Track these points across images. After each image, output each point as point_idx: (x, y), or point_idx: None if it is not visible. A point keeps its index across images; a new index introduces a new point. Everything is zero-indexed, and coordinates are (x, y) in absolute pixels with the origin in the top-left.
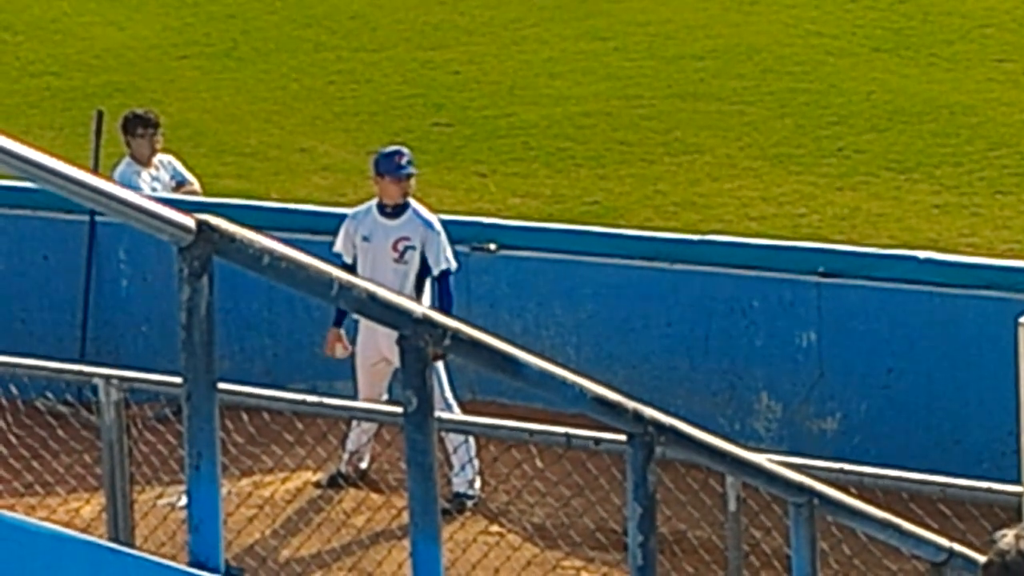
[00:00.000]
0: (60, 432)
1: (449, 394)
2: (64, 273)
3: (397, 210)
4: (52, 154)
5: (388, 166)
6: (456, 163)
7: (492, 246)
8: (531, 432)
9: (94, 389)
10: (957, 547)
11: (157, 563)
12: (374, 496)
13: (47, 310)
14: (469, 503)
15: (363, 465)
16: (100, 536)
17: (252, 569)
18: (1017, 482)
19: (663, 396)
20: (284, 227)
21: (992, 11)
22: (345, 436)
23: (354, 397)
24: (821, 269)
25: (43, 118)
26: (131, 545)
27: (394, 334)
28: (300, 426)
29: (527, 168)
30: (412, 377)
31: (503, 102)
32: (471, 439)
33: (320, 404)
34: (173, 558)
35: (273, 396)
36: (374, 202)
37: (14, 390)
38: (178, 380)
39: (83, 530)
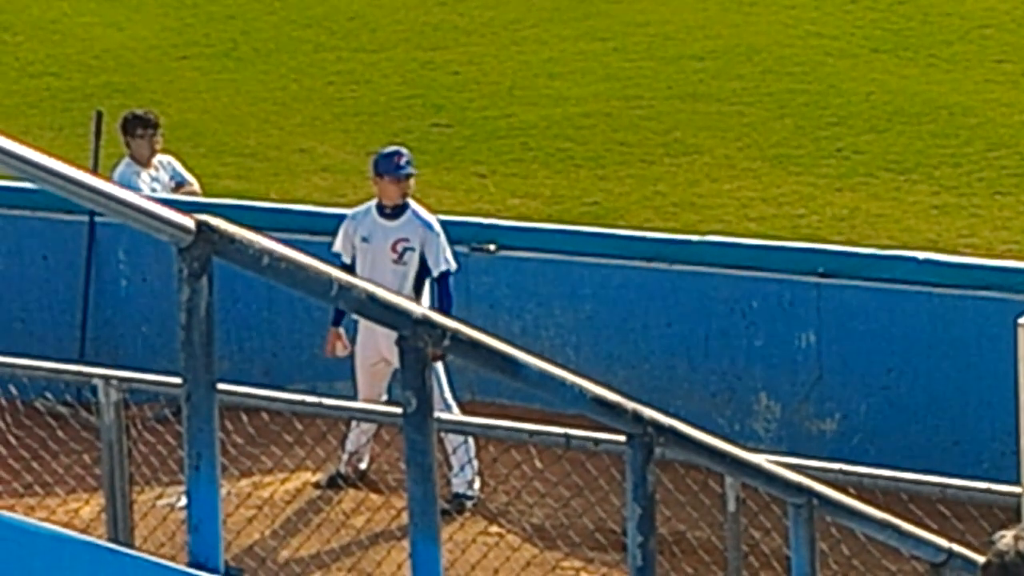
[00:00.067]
0: (59, 433)
1: (448, 395)
2: (63, 273)
3: (396, 211)
4: (52, 155)
5: (387, 166)
6: (455, 164)
7: (491, 247)
8: (530, 433)
9: (93, 390)
10: (956, 548)
11: (156, 564)
12: (373, 497)
13: (46, 310)
14: (468, 504)
15: (362, 466)
16: (99, 537)
17: (251, 570)
18: (1016, 483)
19: (662, 397)
20: (283, 227)
21: (991, 12)
22: (344, 437)
23: (353, 398)
24: (820, 270)
25: (42, 118)
26: (130, 546)
27: (393, 335)
28: (299, 427)
29: (526, 169)
30: (411, 378)
31: (502, 103)
32: (470, 440)
33: (319, 405)
34: (172, 559)
35: (272, 397)
36: (373, 203)
37: (13, 390)
38: (177, 381)
39: (82, 531)
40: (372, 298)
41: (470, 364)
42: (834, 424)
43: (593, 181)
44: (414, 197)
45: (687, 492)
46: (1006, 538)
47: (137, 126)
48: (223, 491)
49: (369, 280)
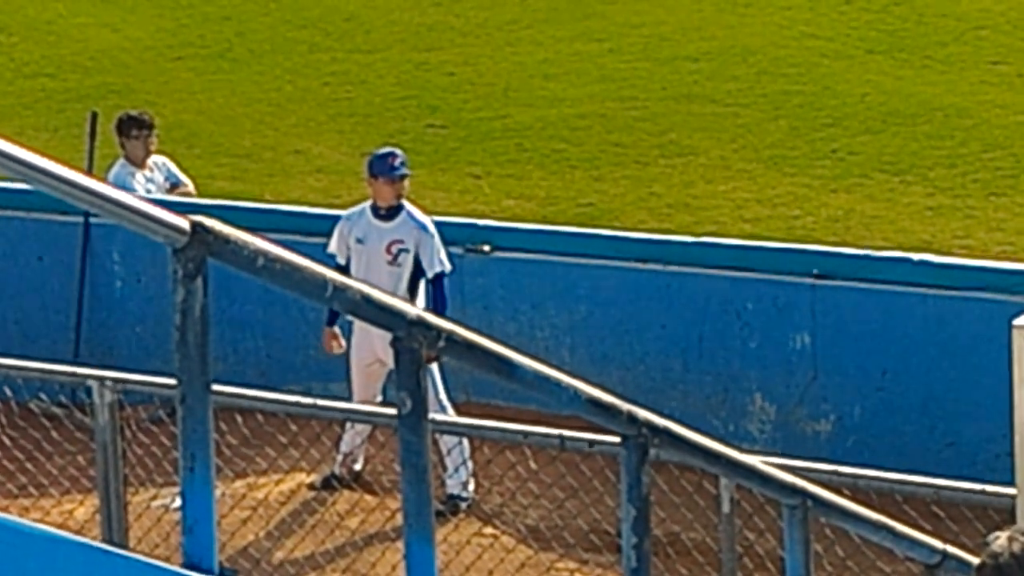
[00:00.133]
0: (54, 434)
1: (444, 396)
2: (58, 274)
3: (391, 212)
4: (46, 155)
5: (382, 167)
6: (450, 165)
7: (486, 248)
8: (525, 434)
9: (88, 391)
10: (951, 549)
11: (151, 565)
12: (368, 498)
13: (41, 311)
14: (463, 505)
15: (357, 467)
16: (94, 538)
17: (246, 571)
18: (1011, 484)
19: (657, 398)
20: (278, 228)
21: (987, 13)
22: (339, 438)
23: (348, 399)
24: (815, 271)
25: (37, 120)
26: (125, 547)
27: (388, 335)
28: (294, 428)
29: (521, 170)
30: (406, 379)
31: (497, 104)
32: (465, 441)
33: (314, 406)
34: (167, 560)
35: (267, 398)
36: (368, 204)
37: (8, 392)
38: (172, 382)
39: (77, 532)
40: (367, 299)
41: (465, 365)
42: (829, 425)
43: (588, 182)
44: (409, 198)
45: (682, 493)
46: (1000, 539)
47: (132, 127)
48: (218, 492)
49: (364, 281)
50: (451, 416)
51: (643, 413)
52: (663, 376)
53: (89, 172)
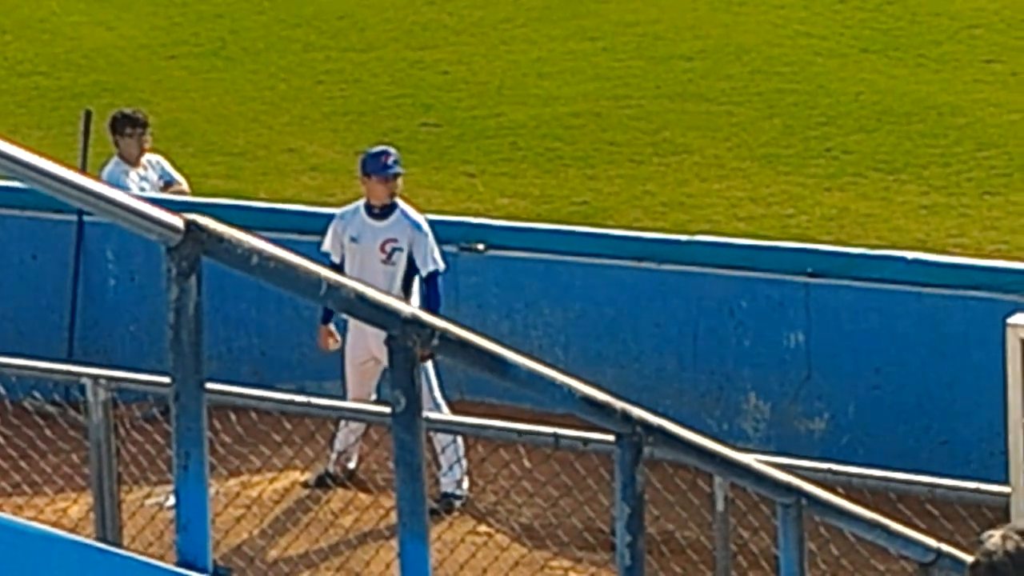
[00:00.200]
0: (48, 432)
1: (438, 394)
2: (52, 273)
3: (384, 211)
4: (40, 154)
5: (375, 166)
6: (444, 163)
7: (480, 246)
8: (519, 432)
9: (82, 389)
10: (945, 547)
11: (145, 563)
12: (362, 496)
13: (35, 310)
14: (457, 503)
15: (351, 465)
16: (88, 536)
17: (240, 569)
18: (1005, 482)
19: (651, 396)
20: (272, 227)
21: (980, 12)
22: (333, 436)
23: (342, 397)
24: (809, 269)
25: (31, 118)
26: (119, 545)
27: (383, 333)
28: (288, 426)
29: (515, 168)
30: (400, 377)
31: (491, 102)
32: (459, 439)
33: (308, 404)
34: (161, 558)
35: (261, 396)
36: (362, 202)
37: (2, 390)
38: (166, 380)
39: (71, 530)
40: (361, 297)
41: (459, 363)
42: (823, 424)
43: (582, 180)
44: (402, 197)
45: (676, 492)
46: (994, 538)
47: (126, 125)
48: (211, 490)
49: (358, 280)
50: (446, 414)
51: (637, 411)
52: (657, 374)
53: (83, 170)
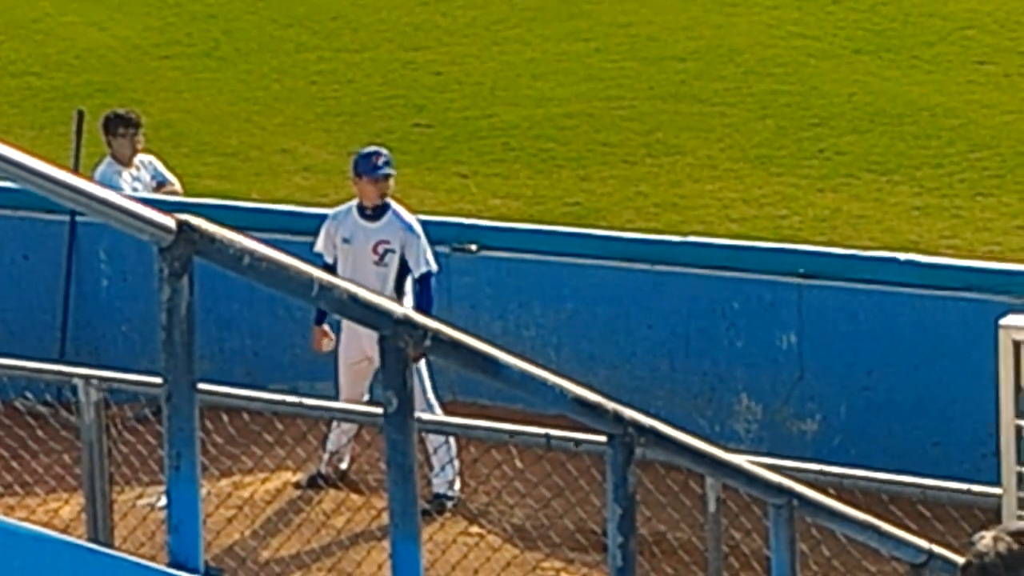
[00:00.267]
0: (40, 432)
1: (431, 395)
2: (44, 273)
3: (377, 212)
4: (33, 154)
5: (365, 167)
6: (437, 164)
7: (473, 247)
8: (511, 433)
9: (74, 389)
10: (936, 549)
11: (136, 564)
12: (354, 497)
13: (27, 310)
14: (449, 504)
15: (343, 466)
16: (79, 537)
17: (231, 570)
18: (997, 484)
19: (644, 397)
20: (264, 227)
21: (973, 13)
22: (325, 437)
23: (334, 398)
24: (802, 271)
25: (24, 118)
26: (110, 546)
27: (376, 334)
28: (280, 427)
29: (508, 169)
30: (392, 378)
31: (484, 103)
32: (451, 440)
33: (300, 405)
34: (152, 559)
35: (253, 397)
36: (354, 203)
37: None
38: (158, 380)
39: (62, 531)
40: (353, 298)
41: (451, 364)
42: (815, 425)
43: (575, 181)
44: (395, 197)
45: (668, 493)
46: (986, 539)
47: (119, 125)
48: (203, 491)
49: (351, 281)
50: (439, 415)
51: (629, 412)
52: (650, 375)
53: (75, 170)
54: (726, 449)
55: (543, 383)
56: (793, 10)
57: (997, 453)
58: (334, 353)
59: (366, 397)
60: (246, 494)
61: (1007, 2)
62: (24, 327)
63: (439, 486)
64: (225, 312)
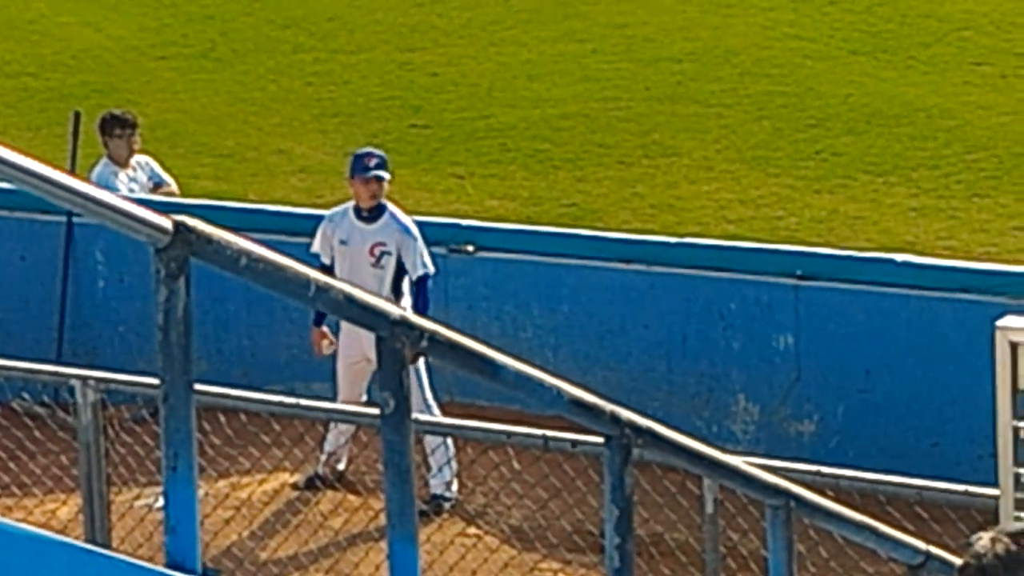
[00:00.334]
0: (37, 433)
1: (430, 396)
2: (41, 274)
3: (373, 214)
4: (29, 155)
5: (357, 167)
6: (433, 165)
7: (470, 248)
8: (509, 434)
9: (71, 390)
10: (934, 550)
11: (134, 564)
12: (351, 498)
13: (23, 311)
14: (446, 505)
15: (340, 467)
16: (77, 538)
17: (229, 571)
18: (994, 485)
19: (641, 398)
20: (261, 228)
21: (970, 14)
22: (322, 438)
23: (332, 399)
24: (798, 272)
25: (20, 119)
26: (108, 547)
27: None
28: (277, 428)
29: (505, 170)
30: (389, 379)
31: (481, 104)
32: (449, 441)
33: (297, 406)
34: (150, 560)
35: (250, 398)
36: (351, 204)
37: None
38: (155, 381)
39: (60, 531)
40: (349, 299)
41: (448, 365)
42: (812, 426)
43: (571, 182)
44: (391, 198)
45: (665, 494)
46: (983, 540)
47: (115, 126)
48: (201, 492)
49: (348, 282)
50: (437, 416)
51: (626, 413)
52: (646, 376)
53: (72, 171)
54: (723, 450)
55: (540, 384)
56: (789, 11)
57: (994, 454)
58: (333, 353)
59: (364, 398)
60: (243, 495)
61: (1003, 3)
62: (21, 328)
63: (437, 487)
64: (222, 313)
